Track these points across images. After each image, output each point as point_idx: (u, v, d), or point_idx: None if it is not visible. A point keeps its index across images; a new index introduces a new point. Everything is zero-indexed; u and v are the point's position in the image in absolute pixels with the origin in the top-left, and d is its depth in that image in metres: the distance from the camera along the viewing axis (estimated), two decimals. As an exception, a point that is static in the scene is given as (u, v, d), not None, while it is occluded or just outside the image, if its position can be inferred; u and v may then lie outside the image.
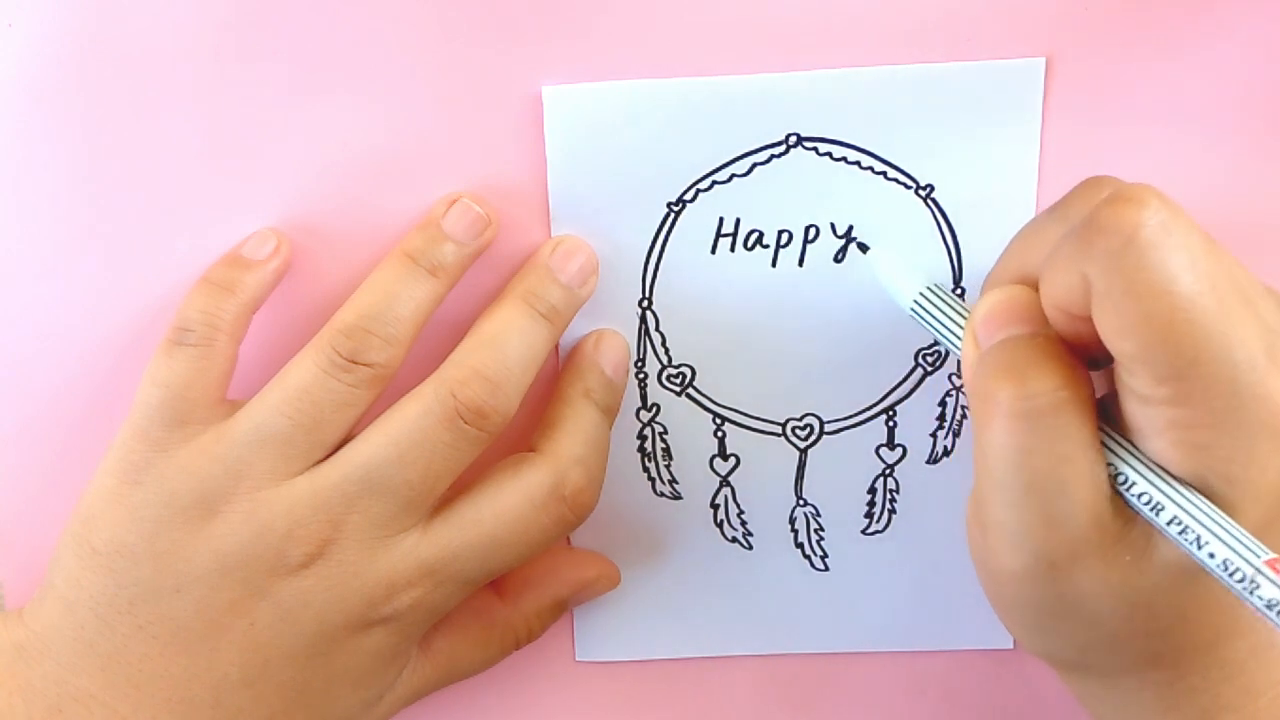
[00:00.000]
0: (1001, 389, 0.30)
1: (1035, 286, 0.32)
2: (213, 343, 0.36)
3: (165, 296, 0.38)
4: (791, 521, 0.42)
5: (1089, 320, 0.30)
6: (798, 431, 0.41)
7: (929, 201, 0.39)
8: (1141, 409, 0.30)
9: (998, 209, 0.39)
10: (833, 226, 0.39)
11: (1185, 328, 0.28)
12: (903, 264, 0.38)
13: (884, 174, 0.38)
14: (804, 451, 0.41)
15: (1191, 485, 0.30)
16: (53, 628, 0.36)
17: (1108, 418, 0.31)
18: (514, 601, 0.41)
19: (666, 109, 0.37)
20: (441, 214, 0.37)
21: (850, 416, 0.41)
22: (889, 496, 0.42)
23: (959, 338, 0.35)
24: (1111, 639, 0.32)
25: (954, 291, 0.39)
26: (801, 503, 0.42)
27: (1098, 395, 0.32)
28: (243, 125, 0.37)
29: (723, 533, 0.42)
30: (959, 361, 0.38)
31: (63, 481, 0.39)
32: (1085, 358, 0.31)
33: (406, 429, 0.36)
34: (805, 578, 0.43)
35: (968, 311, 0.35)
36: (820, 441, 0.41)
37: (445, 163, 0.38)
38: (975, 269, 0.39)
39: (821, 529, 0.42)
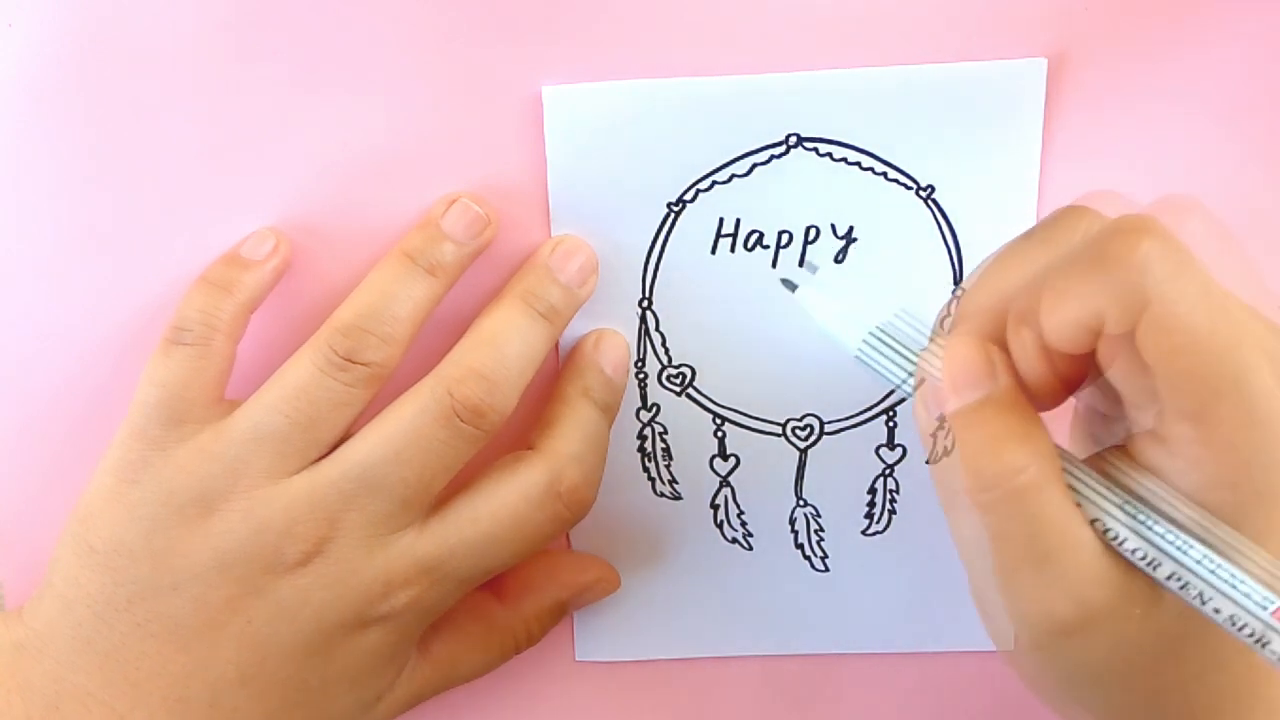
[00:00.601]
0: (965, 481, 0.30)
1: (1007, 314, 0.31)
2: (210, 342, 0.36)
3: (165, 296, 0.38)
4: (791, 522, 0.42)
5: (1075, 359, 0.29)
6: (798, 431, 0.41)
7: (929, 202, 0.39)
8: (1157, 447, 0.29)
9: (999, 210, 0.39)
10: (833, 227, 0.39)
11: (1205, 359, 0.27)
12: (840, 306, 0.34)
13: (884, 175, 0.38)
14: (804, 451, 0.41)
15: (1219, 517, 0.28)
16: (51, 626, 0.36)
17: (1101, 464, 0.30)
18: (514, 605, 0.41)
19: (666, 109, 0.37)
20: (441, 214, 0.37)
21: (850, 416, 0.41)
22: (889, 497, 0.42)
23: (911, 385, 0.33)
24: (1148, 696, 0.31)
25: (954, 293, 0.39)
26: (801, 503, 0.42)
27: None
28: (243, 125, 0.37)
29: (723, 533, 0.42)
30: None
31: (63, 481, 0.39)
32: (1046, 400, 0.30)
33: (403, 428, 0.36)
34: (805, 578, 0.43)
35: (917, 355, 0.33)
36: (820, 441, 0.41)
37: (445, 163, 0.38)
38: (975, 269, 0.39)
39: (821, 529, 0.42)
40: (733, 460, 0.42)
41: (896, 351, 0.33)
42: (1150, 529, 0.29)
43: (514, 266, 0.38)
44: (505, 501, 0.37)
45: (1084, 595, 0.29)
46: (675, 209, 0.39)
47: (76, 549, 0.36)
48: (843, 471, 0.41)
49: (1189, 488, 0.29)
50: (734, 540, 0.43)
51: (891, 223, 0.39)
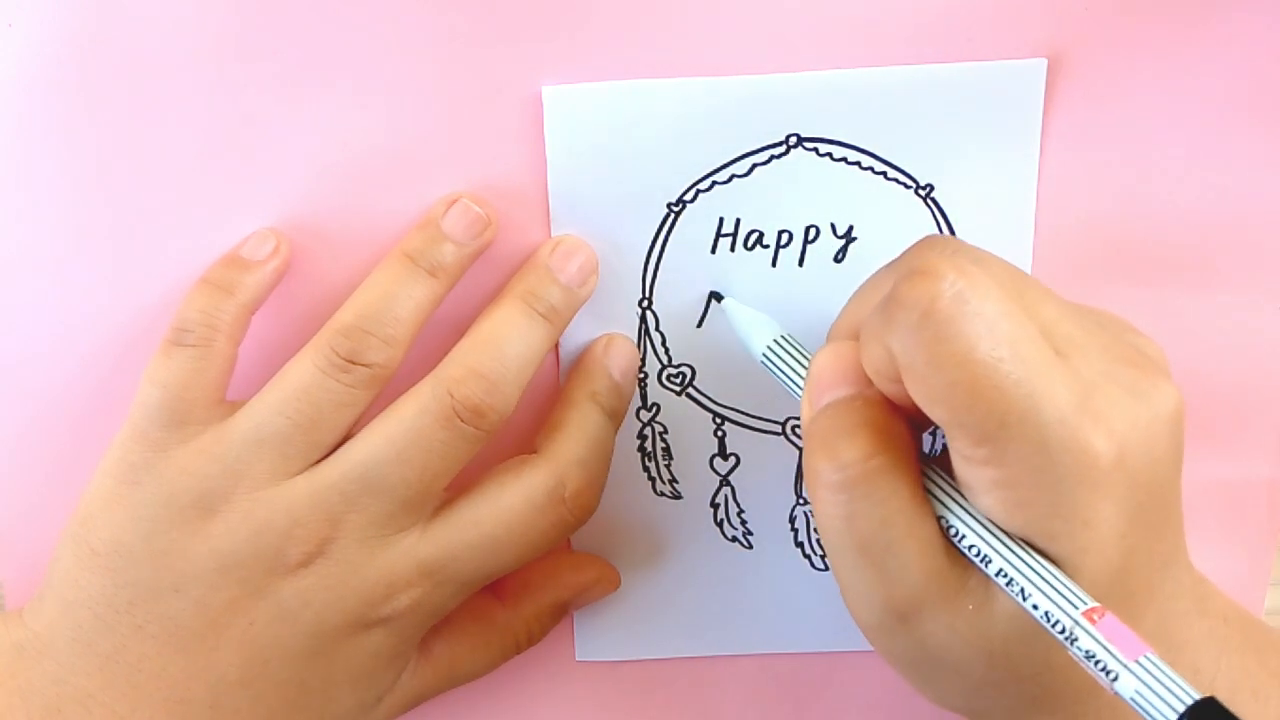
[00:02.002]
0: (818, 461, 0.31)
1: None
2: (211, 343, 0.36)
3: (165, 296, 0.38)
4: (791, 520, 0.42)
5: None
6: (798, 431, 0.41)
7: (929, 201, 0.39)
8: (966, 468, 0.30)
9: (998, 209, 0.39)
10: (833, 227, 0.39)
11: (988, 392, 0.28)
12: (756, 315, 0.38)
13: (884, 174, 0.38)
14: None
15: (1021, 540, 0.30)
16: (52, 628, 0.36)
17: (946, 470, 0.32)
18: (514, 605, 0.41)
19: (666, 109, 0.37)
20: (441, 214, 0.37)
21: (850, 416, 0.41)
22: (889, 496, 0.42)
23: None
24: (985, 686, 0.32)
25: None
26: (802, 501, 0.42)
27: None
28: (243, 125, 0.37)
29: (723, 532, 0.42)
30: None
31: (63, 481, 0.39)
32: (912, 416, 0.32)
33: (404, 428, 0.36)
34: (805, 577, 0.43)
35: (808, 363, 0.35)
36: (820, 441, 0.41)
37: (445, 163, 0.38)
38: (975, 269, 0.39)
39: (821, 528, 0.42)
40: (733, 459, 0.42)
41: (794, 358, 0.36)
42: (987, 528, 0.30)
43: (514, 266, 0.38)
44: (509, 505, 0.37)
45: (921, 584, 0.31)
46: (675, 209, 0.39)
47: (77, 550, 0.36)
48: (842, 471, 0.42)
49: (991, 506, 0.30)
50: (734, 539, 0.43)
51: (891, 222, 0.39)
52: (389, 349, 0.36)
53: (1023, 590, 0.29)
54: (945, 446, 0.31)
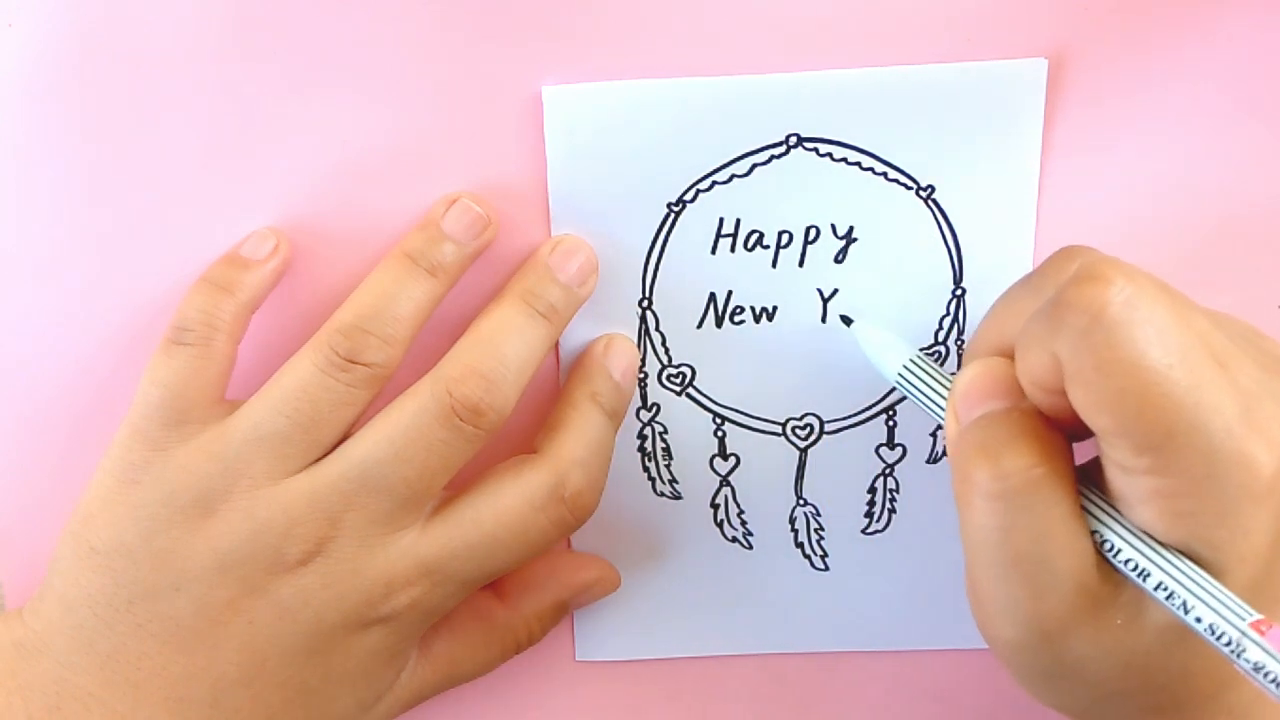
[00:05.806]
0: (977, 470, 0.31)
1: (1012, 356, 0.32)
2: (211, 342, 0.36)
3: (165, 296, 0.38)
4: (791, 521, 0.42)
5: (1065, 394, 0.30)
6: (798, 431, 0.41)
7: (930, 202, 0.39)
8: (1125, 479, 0.30)
9: (999, 210, 0.39)
10: (833, 227, 0.39)
11: (1158, 401, 0.28)
12: (887, 336, 0.38)
13: (884, 175, 0.38)
14: (804, 451, 0.41)
15: (1178, 551, 0.30)
16: (52, 627, 0.36)
17: (1096, 483, 0.31)
18: (514, 604, 0.41)
19: (666, 109, 0.37)
20: (441, 214, 0.37)
21: (850, 416, 0.41)
22: (889, 496, 0.42)
23: (944, 409, 0.35)
24: (1114, 696, 0.32)
25: (954, 293, 0.39)
26: (801, 502, 0.42)
27: (1089, 459, 0.32)
28: (243, 125, 0.37)
29: (723, 533, 0.42)
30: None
31: (63, 481, 0.39)
32: (1065, 428, 0.31)
33: (403, 427, 0.36)
34: (805, 577, 0.43)
35: (950, 381, 0.35)
36: (820, 441, 0.41)
37: (445, 163, 0.38)
38: (975, 270, 0.39)
39: (821, 529, 0.42)
40: (733, 460, 0.42)
41: (932, 377, 0.36)
42: (1143, 541, 0.30)
43: (514, 266, 0.38)
44: (509, 505, 0.37)
45: (1073, 600, 0.31)
46: (675, 209, 0.39)
47: (77, 549, 0.36)
48: (843, 471, 0.42)
49: (1149, 517, 0.30)
50: (734, 539, 0.43)
51: (891, 223, 0.39)
52: (388, 348, 0.36)
53: (1185, 603, 0.29)
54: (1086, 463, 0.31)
